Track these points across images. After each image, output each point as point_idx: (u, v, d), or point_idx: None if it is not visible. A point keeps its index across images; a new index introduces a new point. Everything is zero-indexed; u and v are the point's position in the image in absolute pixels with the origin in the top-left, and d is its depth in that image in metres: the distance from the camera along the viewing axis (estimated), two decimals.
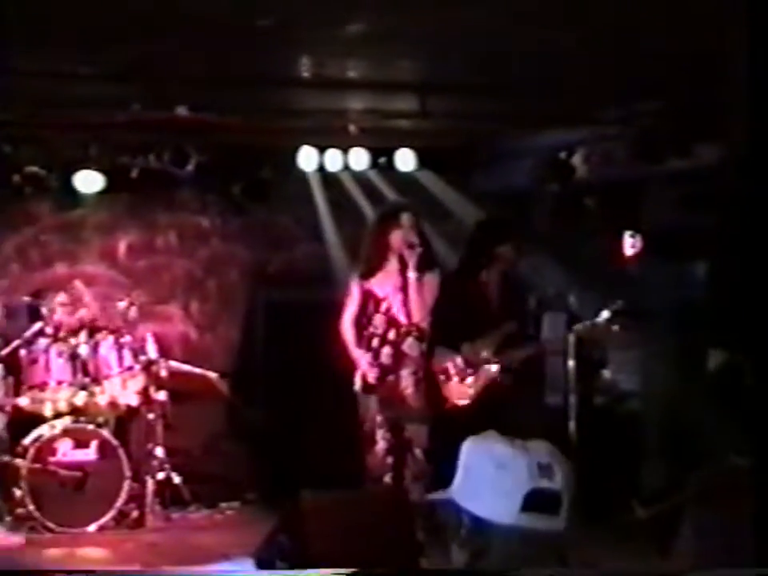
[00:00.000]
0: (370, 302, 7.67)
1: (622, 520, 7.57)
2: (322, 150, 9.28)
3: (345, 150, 9.32)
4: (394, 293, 7.59)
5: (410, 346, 7.64)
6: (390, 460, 7.62)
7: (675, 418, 7.99)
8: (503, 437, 2.61)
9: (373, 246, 7.74)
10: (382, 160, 9.48)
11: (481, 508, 2.53)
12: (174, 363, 8.72)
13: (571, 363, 7.57)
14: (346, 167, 9.44)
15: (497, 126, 8.81)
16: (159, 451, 8.52)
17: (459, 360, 7.88)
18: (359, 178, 9.73)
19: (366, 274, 7.69)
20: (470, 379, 7.88)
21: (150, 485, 8.37)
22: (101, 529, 7.98)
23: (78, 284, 8.69)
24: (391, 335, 7.62)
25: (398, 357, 7.62)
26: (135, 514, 8.25)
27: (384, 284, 7.64)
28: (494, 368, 7.86)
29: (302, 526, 4.72)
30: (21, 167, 8.84)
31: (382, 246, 7.65)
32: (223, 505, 8.86)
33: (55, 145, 8.85)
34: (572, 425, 7.55)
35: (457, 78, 7.38)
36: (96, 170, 9.02)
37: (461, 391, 7.88)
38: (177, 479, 8.54)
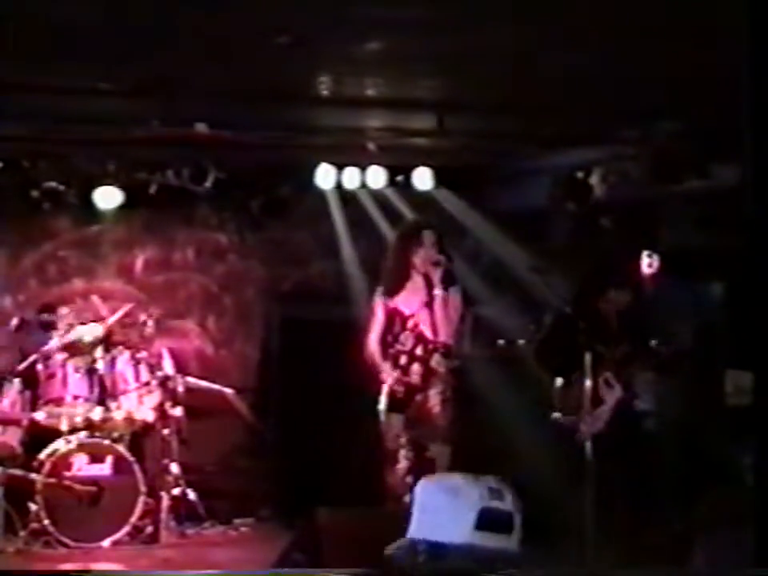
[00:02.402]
0: (396, 319, 7.61)
1: (636, 541, 7.52)
2: (339, 167, 9.29)
3: (362, 168, 9.33)
4: (421, 309, 7.54)
5: (437, 362, 7.58)
6: (410, 480, 7.56)
7: (691, 439, 7.94)
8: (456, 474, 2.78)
9: (396, 265, 7.69)
10: (400, 178, 9.49)
11: (436, 533, 2.67)
12: (190, 379, 8.72)
13: (588, 383, 7.53)
14: (364, 185, 9.45)
15: (514, 144, 8.82)
16: (174, 467, 8.52)
17: (580, 390, 7.73)
18: (377, 195, 9.74)
19: (390, 292, 7.65)
20: (599, 407, 7.70)
21: (165, 500, 8.36)
22: (115, 544, 7.97)
23: (95, 299, 8.71)
24: (419, 351, 7.55)
25: (427, 374, 7.56)
26: (150, 529, 8.23)
27: (410, 301, 7.59)
28: (618, 388, 7.74)
29: (317, 543, 4.72)
30: (40, 182, 8.88)
31: (405, 264, 7.62)
32: (238, 521, 8.84)
33: (74, 160, 8.89)
34: (587, 445, 7.52)
35: (474, 97, 7.39)
36: (114, 185, 9.05)
37: (593, 420, 7.69)
38: (192, 495, 8.53)
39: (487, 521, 2.63)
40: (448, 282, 7.57)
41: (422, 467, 7.50)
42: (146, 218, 9.60)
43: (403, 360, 7.55)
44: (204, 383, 8.77)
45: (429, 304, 7.52)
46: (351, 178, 9.35)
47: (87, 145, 8.54)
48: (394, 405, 7.55)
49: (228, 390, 8.86)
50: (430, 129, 8.09)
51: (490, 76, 6.74)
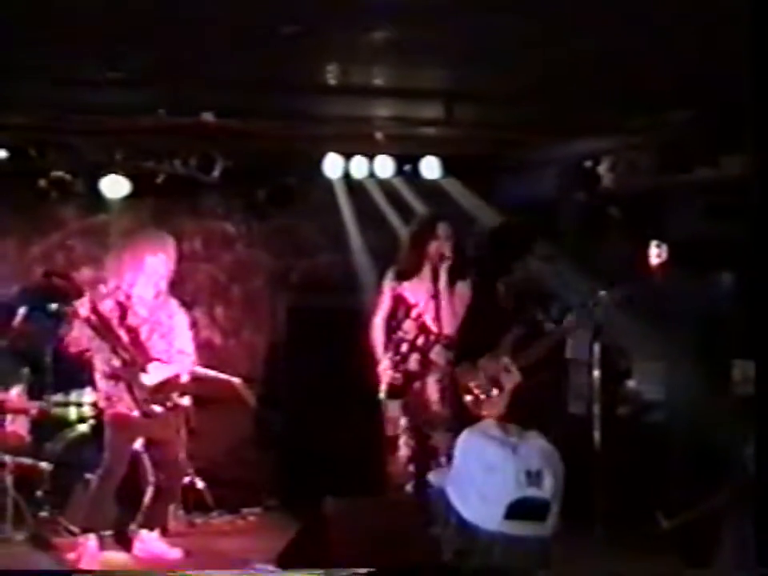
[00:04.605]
0: (400, 306, 7.69)
1: (646, 531, 7.55)
2: (347, 156, 9.31)
3: (370, 157, 9.35)
4: (426, 300, 7.62)
5: (437, 353, 7.65)
6: (411, 468, 7.62)
7: (700, 429, 7.97)
8: (499, 430, 2.57)
9: (409, 253, 7.80)
10: (408, 167, 9.50)
11: (467, 510, 2.53)
12: (198, 368, 8.75)
13: (596, 373, 7.58)
14: (372, 174, 9.47)
15: (523, 134, 8.83)
16: (182, 456, 8.55)
17: (480, 374, 7.92)
18: (384, 185, 9.76)
19: (401, 277, 7.74)
20: (495, 391, 7.91)
21: None
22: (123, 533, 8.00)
23: (102, 289, 8.72)
24: (420, 341, 7.62)
25: (425, 364, 7.63)
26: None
27: (417, 290, 7.67)
28: (516, 373, 7.90)
29: (324, 533, 4.74)
30: (47, 172, 8.90)
31: (418, 254, 7.70)
32: (246, 510, 8.88)
33: (81, 150, 8.90)
34: (596, 435, 7.56)
35: (483, 86, 7.40)
36: (122, 175, 9.08)
37: (490, 405, 7.88)
38: (200, 484, 8.56)
39: (519, 510, 2.48)
40: (458, 275, 7.62)
41: (425, 455, 7.57)
42: (153, 207, 9.62)
43: (404, 348, 7.63)
44: (212, 372, 8.80)
45: (434, 297, 7.59)
46: (359, 167, 9.36)
47: (94, 134, 8.56)
48: (393, 392, 7.63)
49: (236, 380, 8.89)
50: (438, 118, 8.11)
51: (499, 65, 6.76)
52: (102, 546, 7.49)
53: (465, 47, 6.34)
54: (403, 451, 7.60)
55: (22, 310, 8.42)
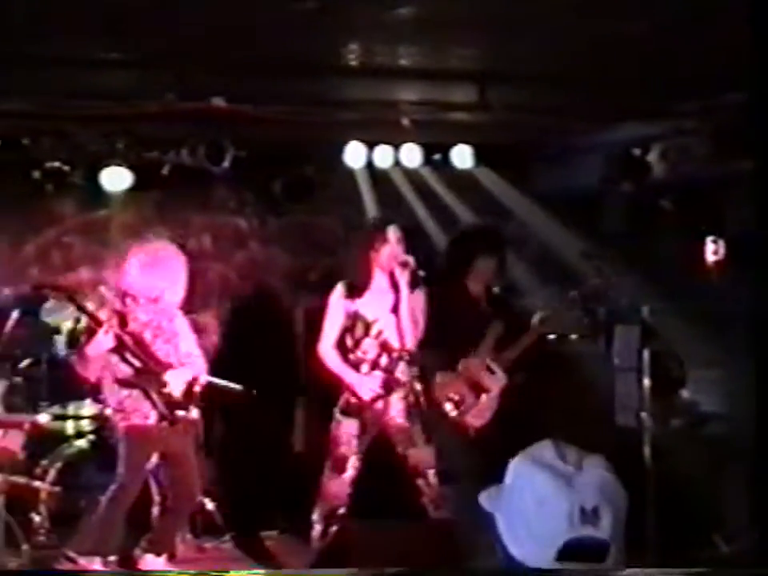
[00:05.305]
0: (357, 324, 7.70)
1: (703, 557, 7.53)
2: (370, 145, 9.32)
3: (396, 146, 9.35)
4: (385, 314, 7.64)
5: (401, 371, 7.68)
6: (350, 490, 7.68)
7: (763, 443, 7.95)
8: (555, 455, 2.50)
9: (358, 264, 7.78)
10: (437, 156, 9.51)
11: (515, 548, 2.48)
12: (208, 378, 8.76)
13: (646, 381, 7.56)
14: (398, 164, 9.48)
15: (563, 119, 8.82)
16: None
17: (461, 382, 7.99)
18: (412, 175, 9.77)
19: (352, 294, 7.73)
20: (483, 397, 7.98)
21: None
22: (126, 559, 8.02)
23: (103, 291, 8.75)
24: (383, 361, 7.64)
25: (389, 383, 7.66)
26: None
27: (373, 305, 7.68)
28: (501, 374, 7.97)
29: (346, 557, 4.77)
30: (41, 162, 8.93)
31: (368, 263, 7.70)
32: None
33: (79, 138, 8.93)
34: (647, 450, 7.54)
35: (519, 67, 7.40)
36: (123, 165, 9.09)
37: (478, 410, 7.97)
38: (210, 505, 8.58)
39: (573, 551, 2.39)
40: (414, 283, 7.66)
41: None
42: (157, 201, 9.64)
43: (365, 369, 7.65)
44: (223, 382, 8.80)
45: (395, 308, 7.62)
46: (383, 156, 9.38)
47: (94, 121, 8.58)
48: (350, 410, 7.66)
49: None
50: (470, 102, 8.11)
51: (537, 43, 6.75)
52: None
53: (499, 24, 6.34)
54: (349, 473, 7.65)
55: (14, 314, 8.45)
